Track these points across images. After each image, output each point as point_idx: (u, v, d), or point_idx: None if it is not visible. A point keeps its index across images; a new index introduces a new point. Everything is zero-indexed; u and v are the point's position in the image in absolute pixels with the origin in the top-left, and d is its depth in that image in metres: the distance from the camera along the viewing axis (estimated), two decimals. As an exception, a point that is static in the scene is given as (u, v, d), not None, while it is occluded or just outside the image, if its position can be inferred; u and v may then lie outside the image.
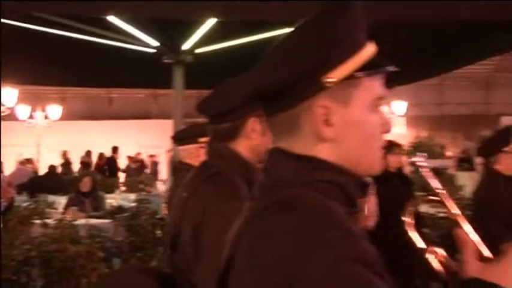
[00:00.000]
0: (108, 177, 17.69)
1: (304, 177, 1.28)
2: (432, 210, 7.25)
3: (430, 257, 1.50)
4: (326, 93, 1.30)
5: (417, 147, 13.77)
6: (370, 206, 2.40)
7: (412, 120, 24.73)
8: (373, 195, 2.31)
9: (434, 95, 27.67)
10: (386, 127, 1.39)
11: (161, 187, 13.98)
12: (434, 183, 1.54)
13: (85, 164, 20.32)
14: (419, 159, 1.83)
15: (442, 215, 7.14)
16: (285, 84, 1.30)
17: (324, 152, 1.32)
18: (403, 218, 1.56)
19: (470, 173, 10.76)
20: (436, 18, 3.82)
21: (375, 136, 1.37)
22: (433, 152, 13.48)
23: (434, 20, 3.92)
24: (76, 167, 20.41)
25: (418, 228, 1.60)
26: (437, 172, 10.00)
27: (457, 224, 1.47)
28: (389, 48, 5.54)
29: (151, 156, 22.07)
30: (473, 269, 1.37)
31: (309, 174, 1.29)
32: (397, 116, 23.37)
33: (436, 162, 11.08)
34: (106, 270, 6.58)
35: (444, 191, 1.54)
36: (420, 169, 1.65)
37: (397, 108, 23.19)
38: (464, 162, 11.57)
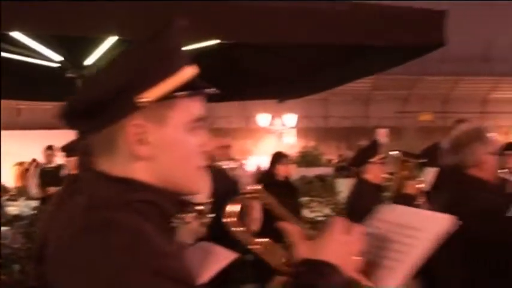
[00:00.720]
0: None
1: (120, 198, 1.23)
2: (312, 214, 7.37)
3: (256, 249, 1.48)
4: (141, 113, 1.26)
5: (304, 156, 14.01)
6: (255, 212, 2.39)
7: (302, 131, 25.18)
8: (257, 202, 2.28)
9: (321, 108, 28.31)
10: (205, 148, 1.36)
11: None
12: None
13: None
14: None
15: (320, 218, 7.28)
16: (99, 102, 1.25)
17: (140, 170, 1.29)
18: (224, 220, 1.50)
19: (347, 179, 11.06)
20: (315, 40, 3.85)
21: (193, 156, 1.34)
22: (318, 161, 13.75)
23: (315, 41, 3.93)
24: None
25: None
26: (321, 179, 10.20)
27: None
28: (284, 64, 5.59)
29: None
30: (302, 249, 1.38)
31: (125, 195, 1.24)
32: (289, 128, 23.74)
33: (320, 170, 11.30)
34: (3, 277, 6.29)
35: None
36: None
37: (289, 120, 23.53)
38: (343, 170, 11.89)
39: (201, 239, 4.46)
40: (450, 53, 23.21)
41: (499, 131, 23.37)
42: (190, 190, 1.35)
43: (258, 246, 1.48)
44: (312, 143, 21.59)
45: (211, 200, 5.34)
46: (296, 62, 5.50)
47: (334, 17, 3.94)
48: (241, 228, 1.48)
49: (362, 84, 25.02)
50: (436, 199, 3.21)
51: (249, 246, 1.48)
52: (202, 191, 1.37)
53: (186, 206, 1.36)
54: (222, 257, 2.35)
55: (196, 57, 4.09)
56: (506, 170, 3.40)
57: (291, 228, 1.44)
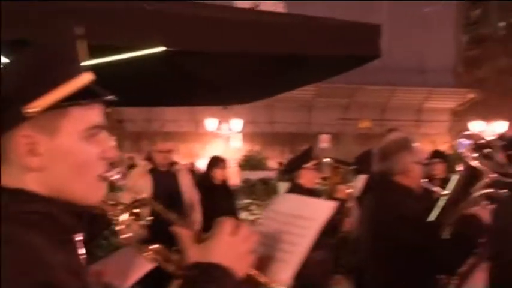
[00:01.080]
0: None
1: (9, 210, 1.15)
2: (251, 217, 7.39)
3: (149, 256, 1.44)
4: (30, 123, 1.18)
5: (248, 160, 14.00)
6: (195, 215, 2.37)
7: (248, 136, 25.21)
8: (198, 205, 2.28)
9: (267, 114, 28.40)
10: (106, 155, 1.28)
11: None
12: None
13: None
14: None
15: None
16: None
17: (32, 182, 1.21)
18: (117, 228, 1.45)
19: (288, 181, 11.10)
20: (261, 49, 3.87)
21: (89, 165, 1.25)
22: (262, 165, 13.79)
23: (259, 51, 3.96)
24: None
25: None
26: (264, 182, 10.24)
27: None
28: (230, 72, 5.59)
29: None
30: (191, 253, 1.36)
31: (15, 207, 1.17)
32: (235, 132, 23.75)
33: (264, 173, 11.33)
34: None
35: None
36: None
37: (235, 125, 23.53)
38: (285, 174, 11.97)
39: (142, 241, 4.41)
40: (388, 64, 23.71)
41: (431, 139, 23.96)
42: (87, 201, 1.27)
43: (149, 253, 1.44)
44: (257, 147, 21.69)
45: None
46: (242, 70, 5.51)
47: (278, 29, 3.98)
48: (129, 235, 1.43)
49: (305, 92, 25.22)
50: (365, 203, 3.27)
51: (142, 254, 1.44)
52: (97, 202, 1.29)
53: (83, 218, 1.27)
54: (142, 266, 2.29)
55: (146, 63, 4.05)
56: (427, 180, 3.49)
57: (182, 232, 1.41)
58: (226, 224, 1.37)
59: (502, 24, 55.79)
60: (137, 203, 1.46)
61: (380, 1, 28.53)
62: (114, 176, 1.31)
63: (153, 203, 1.47)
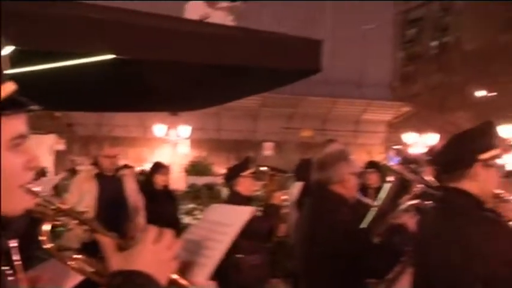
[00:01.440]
0: None
1: None
2: (195, 221, 7.33)
3: (73, 266, 1.39)
4: None
5: (195, 166, 13.92)
6: (139, 219, 2.33)
7: (195, 142, 25.09)
8: (142, 209, 2.24)
9: (214, 122, 28.38)
10: (31, 164, 1.22)
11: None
12: None
13: None
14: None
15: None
16: None
17: None
18: (40, 238, 1.37)
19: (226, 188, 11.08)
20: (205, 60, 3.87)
21: (14, 175, 1.19)
22: (208, 170, 13.73)
23: (206, 61, 3.96)
24: None
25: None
26: (209, 187, 10.20)
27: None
28: (179, 80, 5.55)
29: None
30: (114, 261, 1.32)
31: None
32: (183, 138, 23.60)
33: (209, 179, 11.30)
34: None
35: None
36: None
37: (183, 131, 23.39)
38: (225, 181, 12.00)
39: (85, 245, 4.30)
40: (330, 77, 24.06)
41: (368, 149, 24.42)
42: (11, 211, 1.20)
43: (72, 263, 1.38)
44: (204, 154, 21.62)
45: (97, 205, 5.20)
46: (190, 79, 5.48)
47: (225, 41, 3.98)
48: (50, 245, 1.36)
49: (251, 101, 25.33)
50: (302, 210, 3.30)
51: (65, 263, 1.38)
52: (22, 212, 1.22)
53: (10, 228, 1.21)
54: (71, 277, 2.21)
55: (96, 69, 3.96)
56: (362, 188, 3.56)
57: (104, 240, 1.36)
58: (149, 232, 1.33)
59: (434, 43, 57.56)
60: (61, 212, 1.39)
61: (323, 17, 28.98)
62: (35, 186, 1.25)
63: (74, 212, 1.40)
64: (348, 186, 2.96)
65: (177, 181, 10.40)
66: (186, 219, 6.92)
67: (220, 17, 27.13)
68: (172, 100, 6.40)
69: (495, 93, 31.29)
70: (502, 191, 2.27)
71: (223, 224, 1.58)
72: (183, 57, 3.99)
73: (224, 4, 30.29)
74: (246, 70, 4.47)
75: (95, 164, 5.32)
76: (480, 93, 31.15)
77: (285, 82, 5.09)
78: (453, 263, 2.12)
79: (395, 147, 28.37)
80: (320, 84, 25.33)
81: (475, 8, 55.11)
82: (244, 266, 4.66)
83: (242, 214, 1.62)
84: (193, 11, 26.55)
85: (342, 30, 28.85)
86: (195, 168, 13.60)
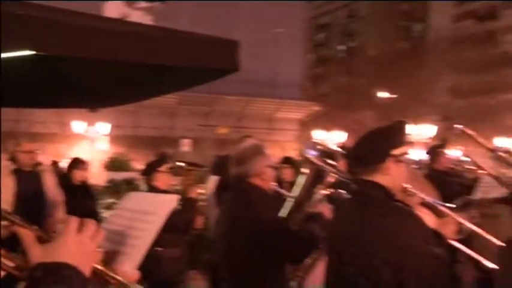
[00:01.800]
0: None
1: None
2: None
3: None
4: None
5: (113, 162, 13.62)
6: (58, 214, 2.25)
7: (114, 138, 24.57)
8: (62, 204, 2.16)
9: (133, 119, 27.91)
10: None
11: None
12: None
13: None
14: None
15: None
16: None
17: None
18: None
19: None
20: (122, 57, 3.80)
21: None
22: (126, 166, 13.46)
23: (125, 59, 3.87)
24: None
25: None
26: (128, 182, 10.04)
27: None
28: (97, 77, 5.40)
29: None
30: (35, 254, 1.27)
31: None
32: (102, 135, 23.05)
33: (128, 174, 11.12)
34: None
35: None
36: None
37: (102, 128, 22.84)
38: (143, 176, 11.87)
39: (3, 240, 4.11)
40: (245, 77, 24.19)
41: (281, 146, 24.78)
42: None
43: None
44: (123, 150, 21.18)
45: (16, 201, 4.98)
46: (109, 76, 5.35)
47: (144, 39, 3.90)
48: None
49: (169, 99, 25.08)
50: (223, 203, 3.31)
51: None
52: None
53: None
54: None
55: (15, 64, 3.78)
56: (276, 183, 3.63)
57: (24, 233, 1.31)
58: (71, 223, 1.28)
59: (341, 47, 59.25)
60: None
61: (238, 20, 29.12)
62: None
63: None
64: (265, 179, 3.00)
65: (95, 176, 10.13)
66: (106, 214, 6.74)
67: (139, 17, 26.66)
68: (91, 97, 6.22)
69: (396, 95, 32.59)
70: (410, 186, 2.36)
71: (146, 212, 1.53)
72: (102, 55, 3.88)
73: (143, 4, 29.78)
74: (164, 68, 4.42)
75: (12, 159, 5.09)
76: (383, 94, 32.34)
77: (203, 81, 5.07)
78: (364, 250, 2.18)
79: (313, 140, 28.95)
80: (236, 83, 25.42)
81: (377, 16, 57.26)
82: (164, 258, 4.60)
83: (166, 202, 1.58)
84: (112, 11, 25.92)
85: (256, 32, 29.12)
86: (114, 164, 13.30)
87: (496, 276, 1.65)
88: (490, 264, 2.33)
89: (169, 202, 1.58)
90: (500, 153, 2.94)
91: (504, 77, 41.05)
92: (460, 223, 2.36)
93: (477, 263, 2.52)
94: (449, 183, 5.36)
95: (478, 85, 41.19)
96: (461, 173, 6.88)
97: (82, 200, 6.09)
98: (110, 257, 1.38)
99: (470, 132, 2.92)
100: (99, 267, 1.31)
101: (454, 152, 6.75)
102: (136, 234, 1.48)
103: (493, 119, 29.09)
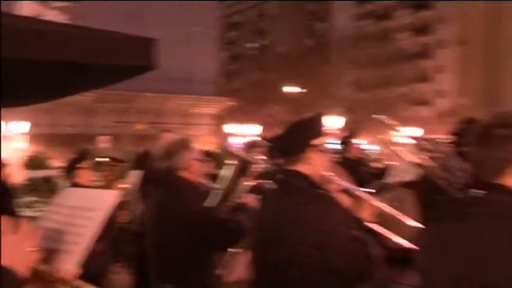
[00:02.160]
0: None
1: None
2: (35, 214, 6.82)
3: None
4: None
5: (32, 160, 13.04)
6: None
7: (33, 137, 23.63)
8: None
9: (49, 117, 26.96)
10: None
11: None
12: None
13: None
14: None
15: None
16: None
17: None
18: None
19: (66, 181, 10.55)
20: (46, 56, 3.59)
21: None
22: (45, 164, 12.91)
23: (39, 57, 3.66)
24: None
25: None
26: (46, 180, 9.61)
27: None
28: (12, 76, 5.08)
29: None
30: None
31: None
32: (19, 134, 22.13)
33: (46, 172, 10.64)
34: None
35: None
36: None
37: (20, 127, 22.04)
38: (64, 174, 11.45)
39: None
40: (162, 74, 23.85)
41: (198, 140, 24.69)
42: None
43: None
44: (41, 148, 20.36)
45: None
46: (23, 74, 5.06)
47: (59, 37, 3.71)
48: None
49: (86, 97, 24.41)
50: (150, 197, 3.24)
51: None
52: None
53: None
54: None
55: None
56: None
57: None
58: (5, 223, 1.18)
59: (253, 45, 59.78)
60: None
61: (152, 18, 28.66)
62: None
63: None
64: (193, 171, 3.00)
65: (14, 175, 9.63)
66: (27, 212, 6.40)
67: (54, 16, 25.56)
68: (5, 95, 5.87)
69: (305, 90, 33.29)
70: (331, 173, 2.39)
71: (86, 209, 1.44)
72: (16, 53, 3.65)
73: (58, 4, 28.60)
74: (80, 66, 4.22)
75: None
76: (292, 89, 32.92)
77: (121, 78, 4.90)
78: (290, 238, 2.19)
79: (236, 133, 28.99)
80: (153, 80, 25.02)
81: (286, 15, 58.27)
82: (89, 253, 4.42)
83: (106, 197, 1.49)
84: (25, 10, 24.70)
85: (170, 31, 28.78)
86: (32, 163, 12.72)
87: (415, 256, 1.70)
88: (406, 242, 2.39)
89: (109, 197, 1.50)
90: (421, 141, 3.04)
91: (398, 71, 43.06)
92: (377, 206, 2.41)
93: (384, 241, 2.58)
94: (360, 171, 5.52)
95: (377, 79, 42.90)
96: (368, 161, 7.13)
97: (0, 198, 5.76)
98: (50, 256, 1.26)
99: (391, 122, 3.00)
100: (37, 266, 1.20)
101: (360, 142, 6.98)
102: (76, 231, 1.38)
103: (391, 110, 30.32)
